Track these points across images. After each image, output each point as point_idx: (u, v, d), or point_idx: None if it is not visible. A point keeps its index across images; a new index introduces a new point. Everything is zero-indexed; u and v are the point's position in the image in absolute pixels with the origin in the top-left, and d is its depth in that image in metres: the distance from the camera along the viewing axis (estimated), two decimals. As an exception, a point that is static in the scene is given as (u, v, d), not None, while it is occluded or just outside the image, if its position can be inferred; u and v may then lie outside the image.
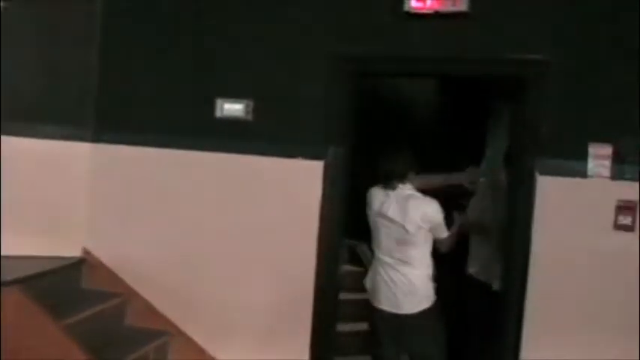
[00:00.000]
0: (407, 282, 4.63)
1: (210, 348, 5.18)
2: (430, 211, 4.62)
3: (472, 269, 5.32)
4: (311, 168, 4.99)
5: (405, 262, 4.65)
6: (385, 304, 4.73)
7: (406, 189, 4.71)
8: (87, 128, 5.36)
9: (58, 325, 4.36)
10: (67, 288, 5.20)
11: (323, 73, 4.98)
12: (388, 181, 4.77)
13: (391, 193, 4.74)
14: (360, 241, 7.38)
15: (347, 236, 7.24)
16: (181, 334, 5.22)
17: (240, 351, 5.10)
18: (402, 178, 4.73)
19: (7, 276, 4.54)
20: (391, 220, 4.67)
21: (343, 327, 6.44)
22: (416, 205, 4.63)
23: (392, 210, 4.68)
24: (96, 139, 5.38)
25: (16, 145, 5.26)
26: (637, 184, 4.41)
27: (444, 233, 4.66)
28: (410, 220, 4.59)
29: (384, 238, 4.74)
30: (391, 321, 4.73)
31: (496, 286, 4.91)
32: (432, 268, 4.68)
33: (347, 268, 7.23)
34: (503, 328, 4.69)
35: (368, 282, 4.90)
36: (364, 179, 6.82)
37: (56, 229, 5.31)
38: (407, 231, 4.60)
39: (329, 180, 4.98)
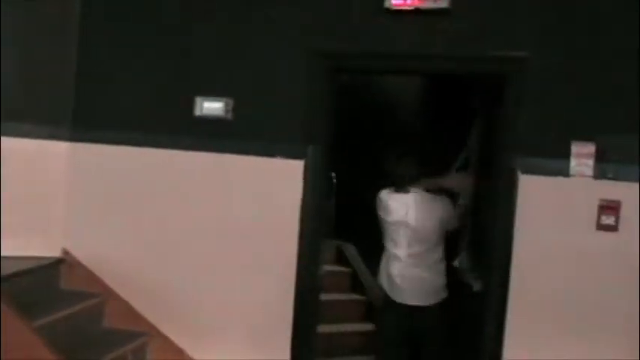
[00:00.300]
0: (428, 276, 5.18)
1: (189, 348, 5.10)
2: (448, 210, 5.24)
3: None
4: (291, 167, 4.93)
5: (425, 258, 5.20)
6: (408, 299, 5.20)
7: (420, 191, 5.26)
8: (64, 127, 5.29)
9: (27, 325, 4.28)
10: (45, 288, 5.11)
11: (303, 71, 4.92)
12: (400, 185, 5.31)
13: (407, 196, 5.28)
14: (347, 241, 7.38)
15: (334, 236, 7.27)
16: (160, 334, 5.13)
17: (219, 352, 5.02)
18: (414, 181, 5.28)
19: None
20: (413, 222, 5.19)
21: (331, 328, 6.46)
22: (436, 207, 5.23)
23: (412, 213, 5.21)
24: (74, 138, 5.30)
25: (-7, 144, 5.19)
26: (619, 183, 4.35)
27: (455, 224, 5.27)
28: (430, 220, 5.18)
29: (403, 237, 5.24)
30: (411, 316, 5.21)
31: (476, 287, 4.85)
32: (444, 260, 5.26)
33: (334, 268, 7.23)
34: (485, 329, 4.64)
35: (384, 280, 5.34)
36: (350, 179, 6.93)
37: (34, 230, 5.22)
38: (427, 231, 5.18)
39: (309, 179, 4.91)
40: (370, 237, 6.48)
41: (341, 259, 7.32)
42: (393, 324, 5.28)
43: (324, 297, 6.35)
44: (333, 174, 7.09)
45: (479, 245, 4.97)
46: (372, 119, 7.22)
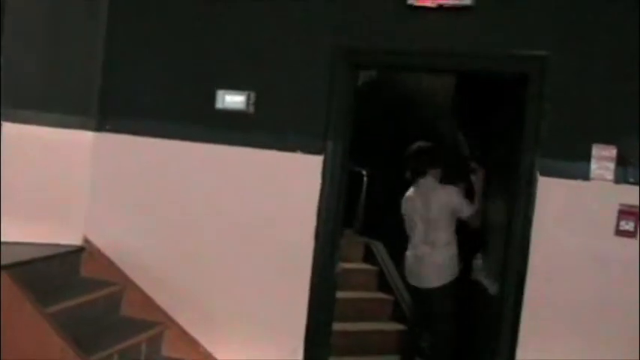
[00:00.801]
0: (433, 260, 5.63)
1: (203, 340, 5.12)
2: (448, 198, 5.61)
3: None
4: (310, 162, 4.91)
5: (432, 243, 5.65)
6: (415, 281, 5.81)
7: (428, 182, 5.71)
8: (90, 117, 5.35)
9: (39, 310, 4.34)
10: (65, 275, 5.19)
11: (325, 67, 4.91)
12: (414, 177, 5.83)
13: (415, 188, 5.81)
14: (376, 239, 7.33)
15: (362, 234, 7.24)
16: (176, 325, 5.17)
17: (233, 345, 5.05)
18: (423, 174, 5.74)
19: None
20: (420, 207, 5.72)
21: (356, 326, 6.43)
22: (437, 195, 5.66)
23: (418, 201, 5.74)
24: (99, 128, 5.37)
25: (19, 132, 5.24)
26: (641, 188, 4.24)
27: (466, 212, 5.53)
28: (433, 208, 5.64)
29: (415, 222, 5.79)
30: (421, 296, 5.79)
31: (492, 290, 4.76)
32: (455, 247, 5.62)
33: (361, 266, 7.19)
34: (500, 332, 4.55)
35: (406, 266, 5.93)
36: (381, 176, 6.89)
37: (57, 217, 5.31)
38: (433, 215, 5.64)
39: (327, 175, 4.89)
40: (399, 235, 6.46)
41: (369, 257, 7.27)
42: (412, 307, 6.10)
43: (350, 295, 6.38)
44: (364, 171, 7.08)
45: (495, 248, 4.88)
46: (406, 117, 7.17)
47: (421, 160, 5.76)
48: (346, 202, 5.11)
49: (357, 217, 7.11)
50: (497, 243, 4.85)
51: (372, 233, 7.26)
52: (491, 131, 5.26)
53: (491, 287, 4.79)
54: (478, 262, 5.24)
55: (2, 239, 4.84)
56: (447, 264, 5.59)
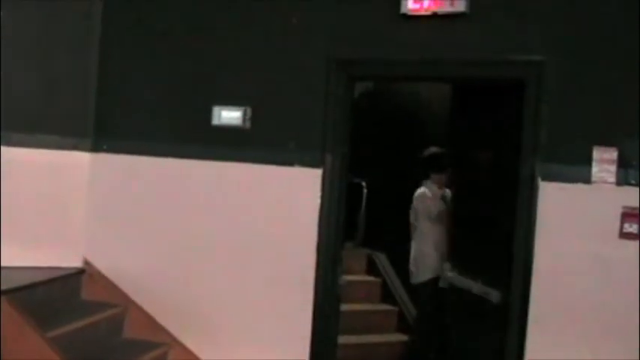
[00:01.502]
0: (412, 257, 6.41)
1: (208, 359, 5.09)
2: (415, 201, 6.39)
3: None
4: (309, 176, 4.88)
5: (414, 240, 6.41)
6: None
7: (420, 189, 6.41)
8: (86, 138, 5.32)
9: (42, 335, 4.29)
10: (66, 298, 5.14)
11: (320, 79, 4.88)
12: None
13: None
14: (378, 250, 7.31)
15: (364, 246, 7.22)
16: (179, 345, 5.12)
17: (239, 363, 5.02)
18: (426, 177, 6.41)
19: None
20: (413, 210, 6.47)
21: (361, 339, 6.40)
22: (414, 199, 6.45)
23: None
24: (95, 148, 5.34)
25: (16, 155, 5.17)
26: (644, 189, 4.20)
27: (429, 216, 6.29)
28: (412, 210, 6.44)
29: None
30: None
31: (495, 299, 4.72)
32: (433, 247, 6.19)
33: (364, 278, 7.16)
34: (506, 339, 4.51)
35: None
36: (382, 187, 6.88)
37: (57, 240, 5.26)
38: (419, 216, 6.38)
39: (327, 187, 4.85)
40: (401, 246, 6.44)
41: (372, 268, 7.25)
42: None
43: (353, 307, 6.35)
44: (363, 182, 7.06)
45: (497, 254, 4.84)
46: (403, 126, 7.16)
47: (424, 165, 6.37)
48: (346, 214, 5.09)
49: (358, 228, 7.08)
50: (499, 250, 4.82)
51: (374, 244, 7.25)
52: (486, 137, 5.22)
53: (494, 297, 4.74)
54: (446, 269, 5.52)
55: (1, 264, 4.81)
56: (422, 260, 6.26)
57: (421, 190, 6.37)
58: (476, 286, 5.02)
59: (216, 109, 5.07)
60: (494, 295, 4.75)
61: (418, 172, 6.38)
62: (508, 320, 4.51)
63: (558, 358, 4.31)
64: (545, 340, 4.36)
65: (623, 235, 4.21)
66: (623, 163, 4.23)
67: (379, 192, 6.96)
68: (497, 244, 4.76)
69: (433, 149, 6.31)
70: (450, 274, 5.51)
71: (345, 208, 5.03)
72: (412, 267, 6.41)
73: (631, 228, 4.19)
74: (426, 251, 6.25)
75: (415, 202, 6.39)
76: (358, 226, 7.05)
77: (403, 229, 6.47)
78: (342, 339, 5.31)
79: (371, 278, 7.13)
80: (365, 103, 6.75)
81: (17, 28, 5.25)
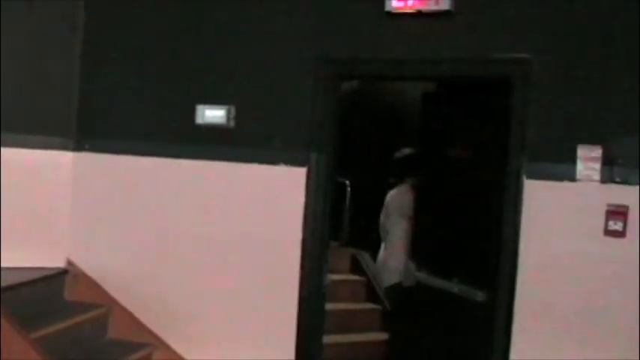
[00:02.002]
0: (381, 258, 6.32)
1: (192, 359, 5.08)
2: (389, 199, 6.21)
3: None
4: (294, 175, 4.87)
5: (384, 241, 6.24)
6: None
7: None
8: (69, 137, 5.29)
9: (24, 336, 4.26)
10: (49, 299, 5.11)
11: (305, 78, 4.86)
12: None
13: None
14: (362, 249, 7.29)
15: (348, 245, 7.21)
16: (164, 345, 5.10)
17: (223, 363, 5.00)
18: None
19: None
20: None
21: (345, 338, 6.38)
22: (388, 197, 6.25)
23: None
24: (78, 148, 5.31)
25: (-1, 155, 5.20)
26: (628, 187, 4.17)
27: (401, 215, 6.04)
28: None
29: None
30: None
31: (480, 297, 4.72)
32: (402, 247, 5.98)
33: (348, 277, 7.15)
34: (492, 337, 4.51)
35: None
36: (365, 186, 6.86)
37: (40, 240, 5.21)
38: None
39: (312, 187, 4.84)
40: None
41: (356, 267, 7.24)
42: None
43: (338, 306, 6.34)
44: (347, 182, 7.05)
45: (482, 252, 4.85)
46: (389, 126, 7.15)
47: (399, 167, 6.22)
48: (331, 213, 5.08)
49: (342, 228, 7.07)
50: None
51: (358, 243, 7.24)
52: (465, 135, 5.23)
53: (479, 295, 4.74)
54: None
55: (-17, 265, 4.77)
56: (388, 264, 6.14)
57: (394, 190, 6.22)
58: (455, 286, 5.02)
59: (199, 108, 5.05)
60: (478, 294, 4.76)
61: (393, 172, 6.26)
62: (493, 319, 4.51)
63: (543, 355, 4.32)
64: (531, 337, 4.35)
65: (608, 233, 4.21)
66: (607, 161, 4.23)
67: (363, 191, 6.94)
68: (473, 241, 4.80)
69: (406, 151, 6.16)
70: (418, 274, 5.51)
71: (331, 208, 5.02)
72: (380, 269, 6.42)
73: (616, 225, 4.20)
74: (394, 252, 6.10)
75: (389, 200, 6.21)
76: (342, 225, 7.04)
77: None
78: (327, 338, 5.28)
79: (355, 277, 7.12)
80: (349, 102, 6.71)
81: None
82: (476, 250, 4.89)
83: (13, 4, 5.09)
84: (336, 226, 6.53)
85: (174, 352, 5.09)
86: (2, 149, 5.15)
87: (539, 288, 4.36)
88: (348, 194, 7.13)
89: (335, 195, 5.22)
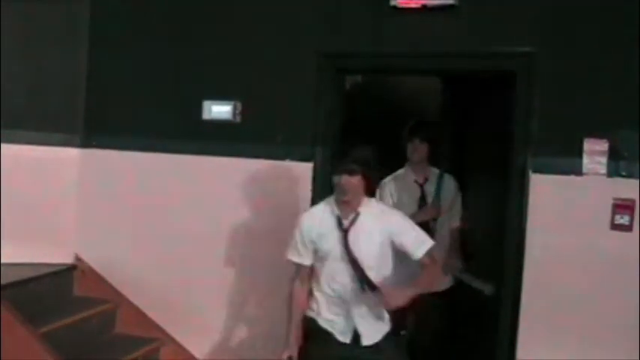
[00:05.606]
0: None
1: (200, 354, 5.10)
2: None
3: None
4: (300, 170, 4.88)
5: None
6: None
7: None
8: (76, 133, 5.32)
9: (33, 332, 4.29)
10: (58, 295, 5.16)
11: (310, 73, 4.87)
12: None
13: None
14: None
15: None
16: (172, 340, 5.14)
17: (230, 357, 5.01)
18: None
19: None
20: None
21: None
22: None
23: None
24: (85, 144, 5.34)
25: (6, 152, 5.21)
26: (634, 181, 4.17)
27: None
28: None
29: None
30: None
31: (488, 291, 4.71)
32: None
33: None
34: (498, 331, 4.50)
35: None
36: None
37: (47, 236, 5.26)
38: None
39: (318, 181, 4.85)
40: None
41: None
42: None
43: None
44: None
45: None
46: (392, 119, 7.12)
47: None
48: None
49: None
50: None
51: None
52: (476, 130, 5.22)
53: (487, 288, 4.73)
54: None
55: (-6, 261, 4.81)
56: None
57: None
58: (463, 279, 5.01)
59: (206, 104, 5.07)
60: (487, 288, 4.75)
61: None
62: (499, 313, 4.51)
63: (550, 351, 4.30)
64: (538, 332, 4.35)
65: (615, 227, 4.21)
66: (613, 155, 4.22)
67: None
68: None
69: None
70: None
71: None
72: None
73: (622, 219, 4.19)
74: None
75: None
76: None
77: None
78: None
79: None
80: (353, 96, 6.70)
81: (6, 26, 5.25)
82: (483, 244, 4.89)
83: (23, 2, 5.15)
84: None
85: (181, 347, 5.13)
86: (10, 146, 5.22)
87: (544, 282, 4.34)
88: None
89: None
